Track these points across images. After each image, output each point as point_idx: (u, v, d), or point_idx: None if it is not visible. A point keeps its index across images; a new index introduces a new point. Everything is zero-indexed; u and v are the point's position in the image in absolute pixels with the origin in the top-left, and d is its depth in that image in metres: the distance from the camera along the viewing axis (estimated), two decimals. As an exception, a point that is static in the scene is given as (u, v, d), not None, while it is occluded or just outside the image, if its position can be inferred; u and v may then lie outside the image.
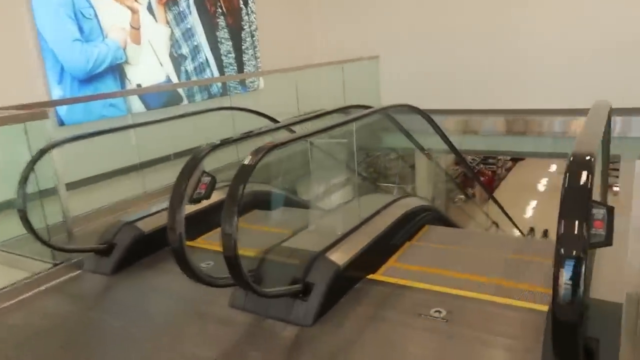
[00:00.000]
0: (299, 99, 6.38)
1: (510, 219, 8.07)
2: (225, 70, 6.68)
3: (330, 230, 3.11)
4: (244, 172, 2.12)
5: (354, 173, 3.96)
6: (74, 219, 3.46)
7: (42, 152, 2.94)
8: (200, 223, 3.56)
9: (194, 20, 6.13)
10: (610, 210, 1.48)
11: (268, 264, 2.67)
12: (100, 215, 3.98)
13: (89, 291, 2.99)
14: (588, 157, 1.55)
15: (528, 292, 2.68)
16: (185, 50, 6.05)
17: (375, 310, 2.54)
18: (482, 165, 16.13)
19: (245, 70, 7.01)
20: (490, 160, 16.37)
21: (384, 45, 7.75)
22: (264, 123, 5.29)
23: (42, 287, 2.94)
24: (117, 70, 5.27)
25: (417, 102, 4.19)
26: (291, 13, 7.90)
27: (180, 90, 6.01)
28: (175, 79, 5.95)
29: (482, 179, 14.23)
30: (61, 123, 4.65)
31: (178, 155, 4.77)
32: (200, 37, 6.24)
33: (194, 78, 6.21)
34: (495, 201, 7.83)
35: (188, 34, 6.07)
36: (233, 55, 6.78)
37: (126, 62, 5.37)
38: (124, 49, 5.33)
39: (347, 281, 2.74)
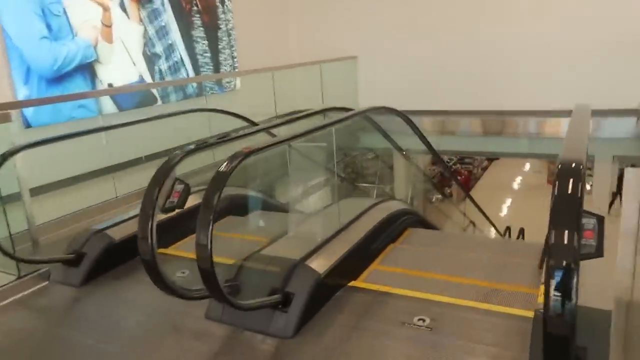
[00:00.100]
0: (277, 100, 6.28)
1: (487, 217, 8.13)
2: (201, 70, 6.52)
3: (309, 236, 3.02)
4: (219, 180, 2.02)
5: (333, 176, 3.88)
6: (39, 227, 3.28)
7: (4, 157, 2.77)
8: (174, 229, 3.44)
9: (168, 18, 5.96)
10: (601, 220, 1.43)
11: (246, 274, 2.56)
12: (68, 222, 3.78)
13: (56, 305, 2.83)
14: (578, 165, 1.50)
15: (512, 294, 2.66)
16: (159, 49, 5.88)
17: (358, 320, 2.46)
18: (458, 165, 16.29)
19: (221, 70, 6.86)
20: (467, 160, 16.55)
21: (362, 46, 7.70)
22: (242, 124, 5.18)
23: (5, 302, 2.77)
24: (87, 69, 5.07)
25: (394, 103, 4.15)
26: (269, 12, 7.78)
27: (154, 91, 5.83)
28: (148, 79, 5.77)
29: (459, 178, 14.35)
30: (27, 125, 4.44)
31: (152, 157, 4.61)
32: (175, 36, 6.07)
33: (168, 78, 6.04)
34: (472, 200, 7.87)
35: (162, 32, 5.89)
36: (209, 54, 6.62)
37: (97, 61, 5.17)
38: (95, 48, 5.13)
39: (328, 289, 2.65)
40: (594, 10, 6.37)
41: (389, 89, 7.35)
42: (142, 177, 2.45)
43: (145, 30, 5.69)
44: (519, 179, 17.73)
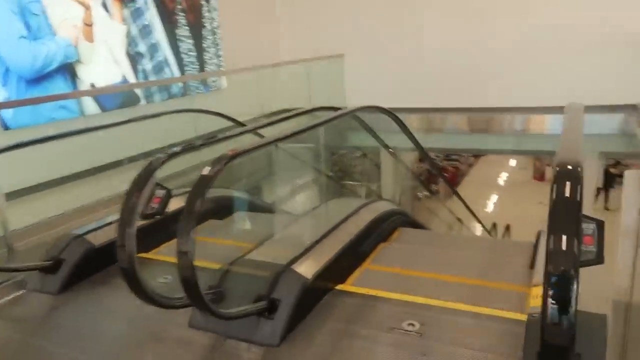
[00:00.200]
0: (264, 99, 6.20)
1: (473, 214, 8.12)
2: (186, 69, 6.41)
3: (296, 239, 2.95)
4: (202, 184, 1.94)
5: (320, 176, 3.80)
6: (15, 233, 3.16)
7: (-22, 162, 2.67)
8: (157, 232, 3.33)
9: (151, 17, 5.84)
10: (601, 225, 1.37)
11: (230, 280, 2.48)
12: (46, 227, 3.66)
13: (33, 314, 2.72)
14: (576, 168, 1.44)
15: (503, 294, 2.62)
16: (142, 48, 5.76)
17: (346, 326, 2.39)
18: (445, 162, 16.34)
19: (207, 69, 6.76)
20: (454, 157, 16.61)
21: (349, 44, 7.65)
22: (228, 124, 5.09)
23: (-20, 311, 2.66)
24: (68, 69, 4.95)
25: (381, 100, 4.10)
26: (255, 10, 7.68)
27: (137, 91, 5.72)
28: (132, 79, 5.66)
29: (445, 175, 14.38)
30: (6, 127, 4.31)
31: (134, 159, 4.49)
32: (159, 35, 5.96)
33: (152, 78, 5.92)
34: (459, 197, 7.87)
35: (145, 31, 5.78)
36: (194, 53, 6.52)
37: (78, 61, 5.05)
38: (76, 47, 5.01)
39: (316, 295, 2.58)
40: (580, 7, 6.39)
41: (376, 87, 7.33)
42: (123, 180, 2.35)
43: (128, 29, 5.57)
44: (504, 176, 17.84)
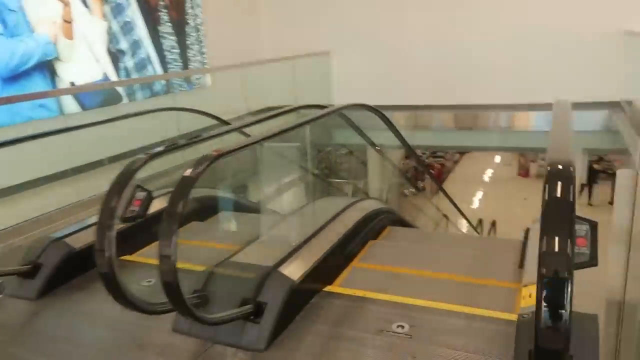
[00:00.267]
0: (249, 97, 6.12)
1: (459, 210, 8.16)
2: (169, 66, 6.30)
3: (283, 240, 2.89)
4: (184, 186, 1.87)
5: (307, 175, 3.75)
6: (-8, 237, 3.06)
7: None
8: (141, 234, 3.25)
9: (133, 13, 5.72)
10: (594, 226, 1.34)
11: (215, 283, 2.42)
12: (23, 230, 3.55)
13: (10, 321, 2.63)
14: (567, 167, 1.41)
15: (493, 292, 2.60)
16: (124, 45, 5.64)
17: (334, 328, 2.34)
18: (431, 159, 16.43)
19: (190, 66, 6.65)
20: (439, 154, 16.71)
21: (335, 41, 7.60)
22: (213, 121, 5.01)
23: (-46, 318, 2.56)
24: (47, 67, 4.82)
25: (368, 98, 4.08)
26: (239, 7, 7.58)
27: (119, 89, 5.59)
28: (113, 77, 5.54)
29: (432, 172, 14.45)
30: (-19, 126, 4.19)
31: (116, 159, 4.39)
32: (141, 32, 5.84)
33: (134, 75, 5.80)
34: (445, 193, 7.89)
35: (127, 27, 5.65)
36: (177, 50, 6.40)
37: (57, 58, 4.92)
38: (55, 45, 4.88)
39: (303, 297, 2.53)
40: (564, 6, 6.42)
41: (362, 84, 7.30)
42: (104, 181, 2.27)
43: (109, 26, 5.45)
44: (489, 172, 17.99)
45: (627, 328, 1.87)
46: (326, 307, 2.54)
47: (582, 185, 12.26)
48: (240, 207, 4.09)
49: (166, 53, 6.22)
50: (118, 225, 1.99)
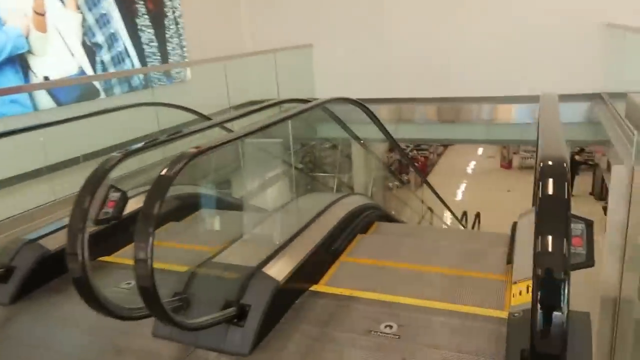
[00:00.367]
0: (230, 91, 5.99)
1: (444, 203, 8.16)
2: (148, 60, 6.13)
3: (266, 239, 2.81)
4: (160, 186, 1.78)
5: (290, 171, 3.66)
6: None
7: None
8: (120, 233, 3.13)
9: (109, 5, 5.54)
10: (590, 225, 1.29)
11: (196, 285, 2.33)
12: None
13: (-19, 328, 2.51)
14: (561, 163, 1.35)
15: (482, 286, 2.59)
16: (100, 38, 5.46)
17: (321, 330, 2.27)
18: (415, 152, 16.46)
19: (170, 60, 6.49)
20: (423, 146, 16.74)
21: (318, 34, 7.50)
22: (193, 116, 4.89)
23: None
24: (19, 61, 4.64)
25: (351, 91, 4.01)
26: (219, -1, 7.43)
27: (96, 83, 5.42)
28: (90, 71, 5.36)
29: (416, 164, 14.47)
30: (-51, 124, 4.00)
31: (92, 156, 4.25)
32: (117, 24, 5.66)
33: (111, 69, 5.63)
34: (429, 185, 7.89)
35: (103, 20, 5.48)
36: (156, 44, 6.24)
37: (30, 52, 4.74)
38: (27, 38, 4.70)
39: (288, 298, 2.46)
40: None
41: (345, 77, 7.24)
42: (82, 179, 2.16)
43: (84, 18, 5.27)
44: (473, 164, 18.09)
45: (623, 325, 1.84)
46: (312, 307, 2.47)
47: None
48: (223, 205, 3.99)
49: (144, 47, 6.05)
50: (92, 227, 1.89)
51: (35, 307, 2.64)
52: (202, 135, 2.63)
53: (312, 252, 2.69)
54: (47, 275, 2.81)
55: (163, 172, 1.81)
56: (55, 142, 4.16)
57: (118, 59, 5.69)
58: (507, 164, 16.95)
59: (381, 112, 6.53)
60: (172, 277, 2.44)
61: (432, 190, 7.80)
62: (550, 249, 1.19)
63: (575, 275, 1.43)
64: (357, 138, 5.47)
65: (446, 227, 10.38)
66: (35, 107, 4.68)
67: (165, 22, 6.36)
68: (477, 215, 10.57)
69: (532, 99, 6.39)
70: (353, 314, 2.39)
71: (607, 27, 6.06)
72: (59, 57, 5.03)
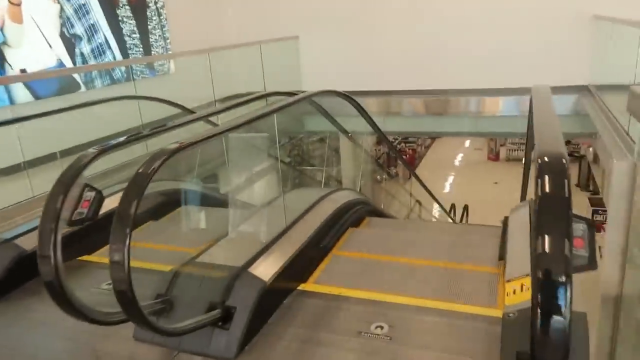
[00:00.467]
0: (215, 83, 5.86)
1: (432, 196, 8.14)
2: (130, 52, 5.97)
3: (253, 237, 2.71)
4: (137, 184, 1.67)
5: (277, 166, 3.56)
6: None
7: None
8: (100, 231, 3.01)
9: (88, -5, 5.36)
10: (591, 225, 1.21)
11: (179, 287, 2.23)
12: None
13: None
14: (560, 159, 1.27)
15: (475, 280, 2.55)
16: (79, 29, 5.28)
17: (309, 332, 2.19)
18: (403, 144, 16.45)
19: (153, 52, 6.32)
20: (411, 139, 16.73)
21: (304, 26, 7.37)
22: (177, 110, 4.76)
23: None
24: (-6, 53, 4.47)
25: (338, 84, 3.93)
26: (203, -11, 7.25)
27: (76, 76, 5.26)
28: (69, 63, 5.19)
29: (404, 157, 14.47)
30: None
31: (70, 152, 4.10)
32: (97, 15, 5.49)
33: (92, 62, 5.46)
34: (417, 178, 7.86)
35: (82, 11, 5.30)
36: (138, 35, 6.06)
37: (5, 43, 4.57)
38: (2, 29, 4.52)
39: (276, 298, 2.37)
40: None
41: (332, 70, 7.14)
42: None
43: (62, 8, 5.09)
44: (460, 156, 18.14)
45: (625, 325, 1.79)
46: (301, 307, 2.39)
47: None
48: (207, 201, 3.87)
49: (126, 38, 5.88)
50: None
51: (13, 309, 2.53)
52: (186, 129, 2.53)
53: (300, 250, 2.61)
54: (24, 276, 2.69)
55: (140, 170, 1.71)
56: (34, 136, 4.02)
57: (99, 51, 5.52)
58: (494, 156, 17.02)
59: (369, 104, 6.46)
60: (154, 278, 2.35)
61: (421, 183, 7.76)
62: (551, 251, 1.12)
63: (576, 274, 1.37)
64: (344, 131, 5.39)
65: (435, 219, 10.38)
66: (11, 101, 4.52)
67: (148, 13, 6.19)
68: (465, 208, 10.58)
69: (519, 91, 6.41)
70: (343, 314, 2.31)
71: (594, 18, 6.04)
72: (36, 48, 4.86)
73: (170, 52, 6.57)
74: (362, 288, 2.55)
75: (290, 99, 2.83)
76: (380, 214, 4.20)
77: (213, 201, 3.79)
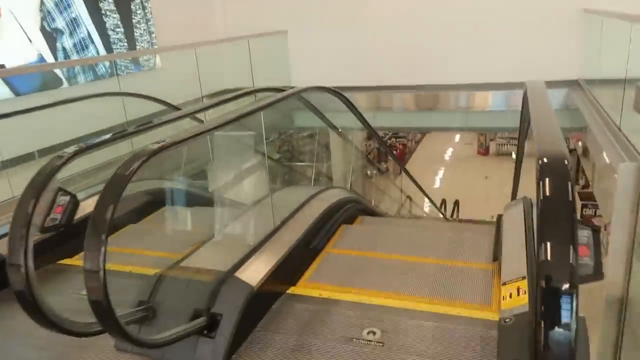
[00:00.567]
0: (202, 79, 5.73)
1: (423, 191, 8.10)
2: (114, 47, 5.81)
3: (240, 239, 2.61)
4: (114, 187, 1.57)
5: (265, 164, 3.46)
6: None
7: None
8: (82, 234, 2.90)
9: (69, -13, 5.20)
10: (596, 232, 1.13)
11: (162, 293, 2.13)
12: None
13: None
14: (562, 160, 1.19)
15: (471, 276, 2.53)
16: (60, 23, 5.12)
17: (299, 338, 2.10)
18: (393, 139, 16.40)
19: (138, 47, 6.17)
20: (401, 134, 16.69)
21: (292, 20, 7.27)
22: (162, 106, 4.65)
23: None
24: (-30, 48, 4.31)
25: (328, 79, 3.86)
26: (189, -18, 7.10)
27: (58, 72, 5.10)
28: (50, 58, 5.03)
29: (394, 152, 14.42)
30: None
31: (49, 151, 3.97)
32: (79, 8, 5.32)
33: (74, 57, 5.31)
34: (408, 174, 7.81)
35: (63, 4, 5.14)
36: (122, 30, 5.91)
37: (-18, 38, 4.41)
38: (-22, 23, 4.36)
39: (264, 303, 2.28)
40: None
41: (322, 65, 7.06)
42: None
43: (42, 2, 4.92)
44: (450, 151, 18.15)
45: (630, 329, 1.72)
46: (290, 312, 2.30)
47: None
48: (191, 202, 3.76)
49: (110, 32, 5.72)
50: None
51: (-14, 318, 2.41)
52: (172, 126, 2.43)
53: (289, 253, 2.52)
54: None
55: (118, 171, 1.60)
56: (14, 134, 3.89)
57: (81, 46, 5.36)
58: (484, 151, 17.04)
59: (359, 100, 6.39)
60: (138, 282, 2.25)
61: (411, 178, 7.71)
62: (555, 261, 1.04)
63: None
64: (334, 127, 5.30)
65: (426, 215, 10.35)
66: (-10, 98, 4.37)
67: (132, 7, 6.03)
68: (456, 203, 10.56)
69: (509, 86, 6.37)
70: (334, 319, 2.22)
71: (584, 12, 6.00)
72: (15, 43, 4.70)
73: (155, 47, 6.42)
74: (354, 288, 2.47)
75: (279, 96, 2.73)
76: (371, 212, 4.12)
77: (198, 202, 3.68)
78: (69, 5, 5.16)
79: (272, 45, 7.18)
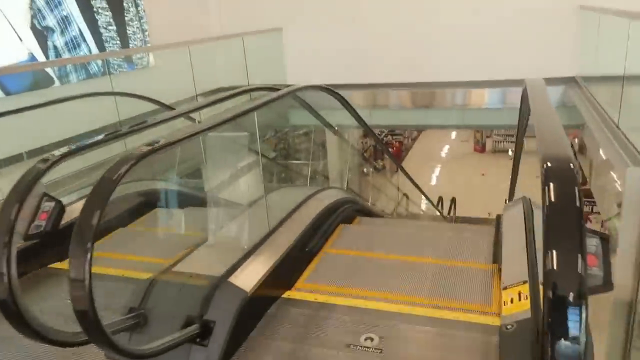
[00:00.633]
0: (197, 77, 5.66)
1: (419, 189, 8.05)
2: (106, 45, 5.73)
3: (233, 243, 2.55)
4: (101, 192, 1.50)
5: (260, 164, 3.40)
6: None
7: None
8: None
9: (61, -15, 5.12)
10: (606, 240, 1.08)
11: (154, 299, 2.07)
12: None
13: None
14: (567, 164, 1.14)
15: (469, 276, 2.48)
16: (51, 21, 5.04)
17: (295, 345, 2.05)
18: (390, 137, 16.36)
19: (131, 45, 6.09)
20: (398, 131, 16.65)
21: (288, 17, 7.20)
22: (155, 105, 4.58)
23: None
24: (-41, 47, 4.23)
25: (324, 77, 3.80)
26: (182, -21, 7.02)
27: (49, 70, 5.02)
28: (41, 57, 4.95)
29: (390, 150, 14.37)
30: None
31: (42, 151, 3.90)
32: (71, 6, 5.24)
33: (66, 55, 5.23)
34: (404, 172, 7.76)
35: (54, 2, 5.05)
36: (114, 27, 5.82)
37: (-29, 37, 4.33)
38: (-33, 21, 4.28)
39: (258, 309, 2.22)
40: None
41: (317, 63, 7.00)
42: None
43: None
44: (447, 148, 18.12)
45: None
46: (285, 317, 2.24)
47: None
48: (184, 204, 3.69)
49: (102, 30, 5.64)
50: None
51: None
52: (165, 125, 2.36)
53: (285, 256, 2.46)
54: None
55: (105, 175, 1.54)
56: (2, 135, 3.81)
57: (73, 44, 5.28)
58: (480, 148, 17.01)
59: (355, 97, 6.34)
60: (129, 287, 2.19)
61: (407, 176, 7.66)
62: (563, 270, 0.99)
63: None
64: (329, 125, 5.25)
65: (423, 212, 10.31)
66: (-21, 97, 4.29)
67: (124, 4, 5.95)
68: (453, 201, 10.53)
69: (505, 83, 6.33)
70: (330, 324, 2.17)
71: (580, 9, 5.96)
72: (5, 41, 4.61)
73: (149, 45, 6.35)
74: (352, 290, 2.42)
75: (273, 95, 2.66)
76: (369, 212, 4.06)
77: (190, 203, 3.61)
78: (59, 3, 5.08)
79: (267, 43, 7.11)
